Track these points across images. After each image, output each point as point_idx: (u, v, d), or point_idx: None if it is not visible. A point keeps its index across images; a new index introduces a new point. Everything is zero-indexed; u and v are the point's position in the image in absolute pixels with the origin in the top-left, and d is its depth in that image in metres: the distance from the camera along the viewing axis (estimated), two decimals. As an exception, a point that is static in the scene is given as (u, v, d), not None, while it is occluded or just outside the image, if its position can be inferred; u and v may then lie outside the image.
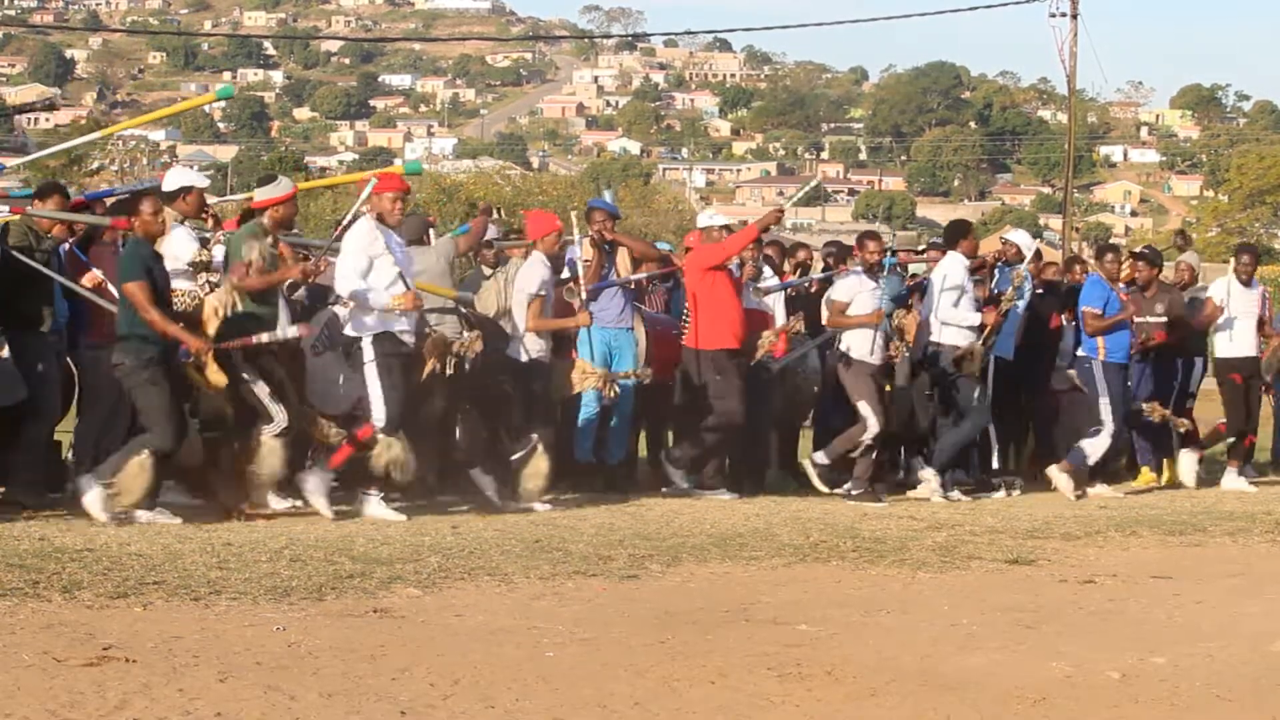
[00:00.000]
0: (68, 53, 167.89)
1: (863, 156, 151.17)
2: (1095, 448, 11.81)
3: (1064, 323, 12.63)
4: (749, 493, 11.25)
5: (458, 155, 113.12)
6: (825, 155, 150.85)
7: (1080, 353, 12.03)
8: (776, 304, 12.10)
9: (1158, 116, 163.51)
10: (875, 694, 5.50)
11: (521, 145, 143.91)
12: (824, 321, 11.46)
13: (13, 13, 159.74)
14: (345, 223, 9.94)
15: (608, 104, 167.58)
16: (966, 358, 11.37)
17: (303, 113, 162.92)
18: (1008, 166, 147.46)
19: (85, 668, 5.33)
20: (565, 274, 10.68)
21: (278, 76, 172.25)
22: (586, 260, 10.65)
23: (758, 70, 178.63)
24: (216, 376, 8.63)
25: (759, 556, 8.46)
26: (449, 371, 9.46)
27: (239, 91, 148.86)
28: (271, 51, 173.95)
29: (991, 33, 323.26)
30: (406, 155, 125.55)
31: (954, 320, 11.40)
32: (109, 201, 10.23)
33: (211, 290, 8.91)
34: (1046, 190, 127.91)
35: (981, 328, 11.49)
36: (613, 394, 10.61)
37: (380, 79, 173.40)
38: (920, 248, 14.33)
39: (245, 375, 8.81)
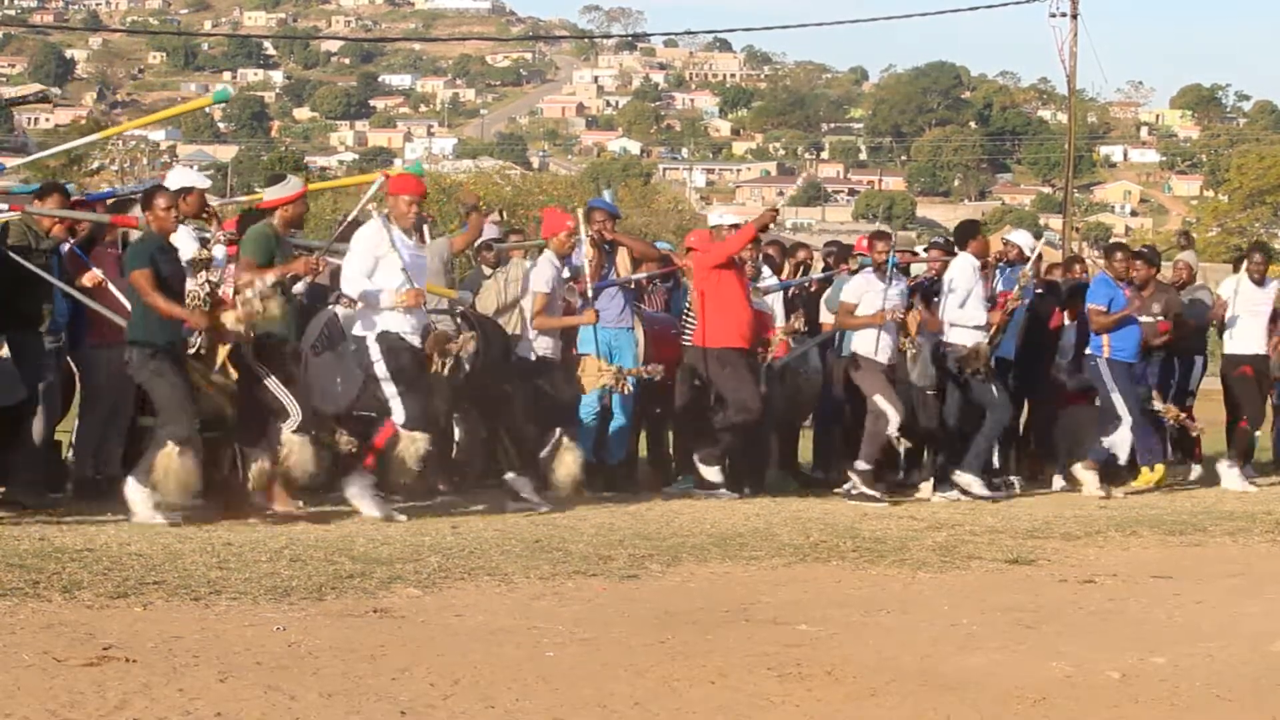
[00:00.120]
0: (68, 53, 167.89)
1: (863, 156, 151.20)
2: (1117, 443, 11.83)
3: (1065, 322, 12.63)
4: (749, 493, 11.25)
5: (458, 155, 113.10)
6: (825, 155, 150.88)
7: (1087, 350, 12.04)
8: (776, 304, 12.10)
9: (1158, 116, 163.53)
10: (875, 694, 5.50)
11: (521, 145, 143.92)
12: (835, 323, 11.41)
13: (13, 13, 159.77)
14: (345, 223, 9.94)
15: (608, 104, 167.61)
16: (971, 357, 11.37)
17: (303, 113, 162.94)
18: (1008, 166, 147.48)
19: (85, 668, 5.33)
20: (566, 273, 10.69)
21: (278, 76, 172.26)
22: (587, 260, 10.66)
23: (758, 70, 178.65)
24: (222, 377, 8.64)
25: (759, 556, 8.46)
26: (445, 372, 9.45)
27: (239, 91, 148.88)
28: (271, 51, 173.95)
29: (991, 33, 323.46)
30: (406, 155, 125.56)
31: (959, 321, 11.42)
32: (109, 202, 10.24)
33: (211, 290, 8.91)
34: (1046, 190, 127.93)
35: (987, 327, 11.50)
36: (627, 390, 10.60)
37: (380, 79, 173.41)
38: (921, 248, 14.31)
39: (258, 372, 8.79)
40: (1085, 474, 11.88)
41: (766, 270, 12.15)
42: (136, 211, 9.73)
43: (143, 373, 8.72)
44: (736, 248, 11.12)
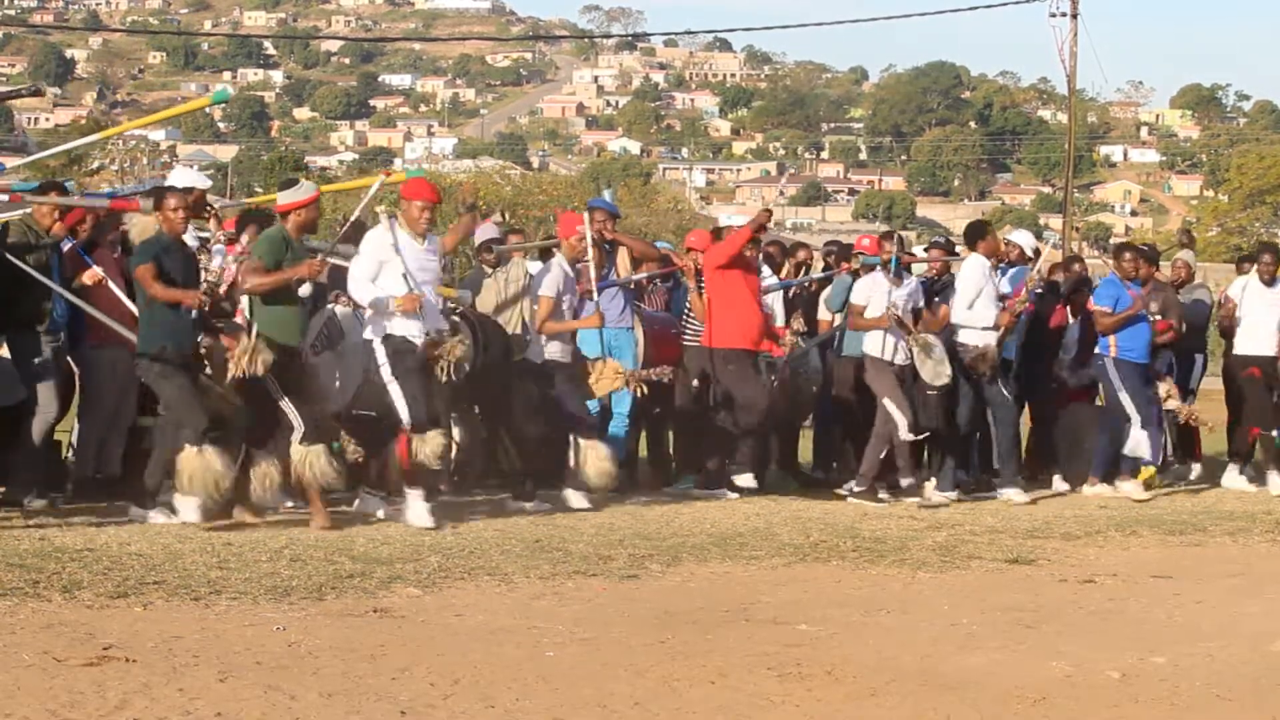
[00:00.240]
0: (68, 53, 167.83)
1: (863, 156, 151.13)
2: (1136, 443, 11.80)
3: (1068, 320, 12.63)
4: (749, 492, 11.25)
5: (458, 155, 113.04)
6: (825, 155, 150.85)
7: (1096, 350, 12.04)
8: (776, 304, 12.10)
9: (1158, 116, 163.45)
10: (875, 694, 5.50)
11: (521, 145, 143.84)
12: (849, 324, 11.39)
13: (13, 13, 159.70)
14: (348, 225, 9.93)
15: (608, 104, 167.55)
16: (979, 359, 11.35)
17: (303, 113, 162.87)
18: (1008, 166, 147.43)
19: (85, 668, 5.34)
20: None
21: (278, 76, 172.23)
22: (588, 260, 10.66)
23: (758, 70, 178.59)
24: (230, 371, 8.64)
25: (759, 556, 8.46)
26: (443, 377, 9.41)
27: (239, 91, 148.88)
28: (271, 51, 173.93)
29: (991, 33, 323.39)
30: (407, 155, 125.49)
31: (969, 322, 11.41)
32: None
33: (210, 290, 8.92)
34: (1046, 190, 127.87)
35: (995, 328, 11.48)
36: (642, 394, 10.58)
37: (380, 79, 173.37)
38: (921, 248, 14.31)
39: (265, 383, 8.77)
40: (1126, 486, 11.75)
41: (766, 270, 12.16)
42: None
43: (149, 374, 8.75)
44: (735, 248, 11.12)
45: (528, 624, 6.45)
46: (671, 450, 12.04)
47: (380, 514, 9.38)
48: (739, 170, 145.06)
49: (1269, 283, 12.63)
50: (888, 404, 11.01)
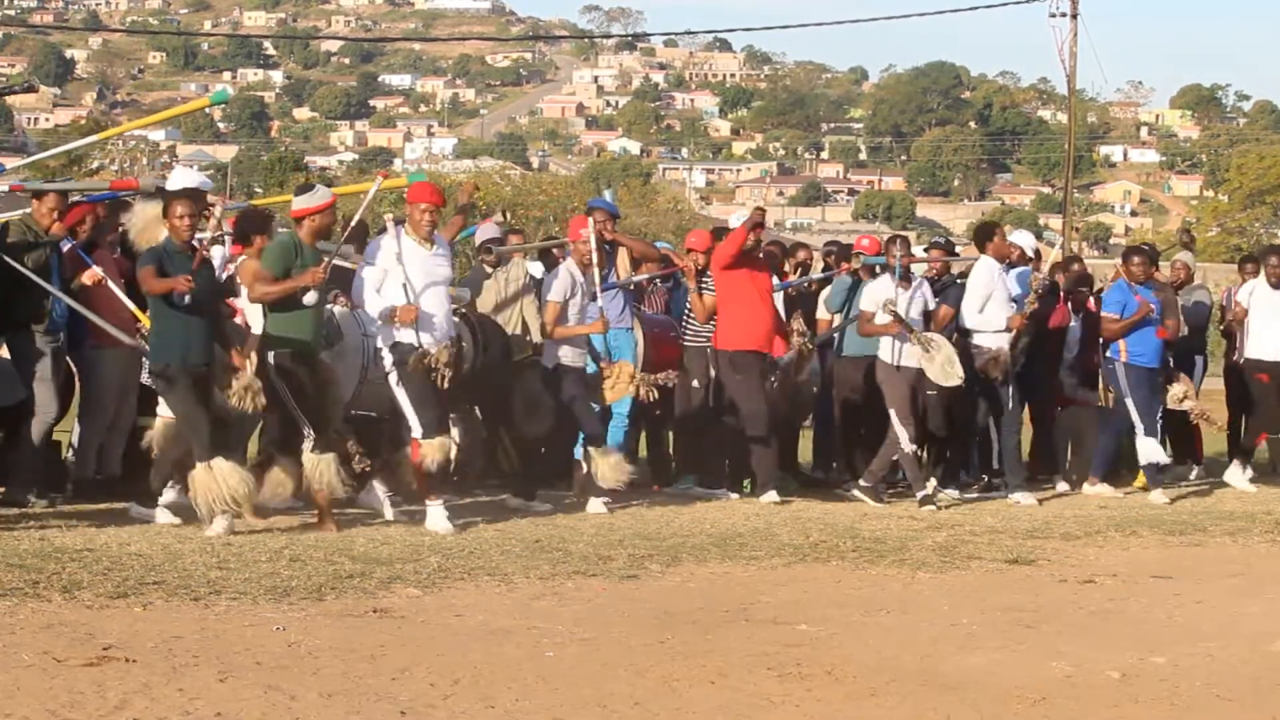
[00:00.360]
0: (68, 53, 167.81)
1: (863, 156, 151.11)
2: (1147, 450, 11.77)
3: (1072, 319, 12.64)
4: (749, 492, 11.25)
5: (458, 155, 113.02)
6: (825, 155, 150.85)
7: (1107, 354, 12.02)
8: (776, 304, 12.09)
9: (1158, 116, 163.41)
10: (875, 694, 5.50)
11: (521, 145, 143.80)
12: (859, 331, 11.36)
13: (13, 13, 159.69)
14: (350, 227, 9.93)
15: (608, 104, 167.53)
16: (991, 362, 11.32)
17: (303, 113, 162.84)
18: (1008, 166, 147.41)
19: (85, 668, 5.34)
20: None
21: (278, 76, 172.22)
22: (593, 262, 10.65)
23: (758, 70, 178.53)
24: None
25: (759, 556, 8.46)
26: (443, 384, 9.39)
27: (239, 91, 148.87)
28: (271, 51, 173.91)
29: (991, 33, 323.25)
30: (406, 155, 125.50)
31: (980, 325, 11.39)
32: (107, 203, 10.22)
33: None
34: (1046, 190, 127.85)
35: (1007, 330, 11.45)
36: (653, 398, 10.56)
37: (380, 79, 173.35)
38: (921, 248, 14.29)
39: (277, 389, 8.76)
40: (1154, 495, 11.72)
41: (766, 271, 12.14)
42: (133, 212, 9.73)
43: (159, 387, 8.73)
44: (735, 247, 11.11)
45: (528, 624, 6.45)
46: (671, 450, 12.04)
47: (388, 514, 9.37)
48: (739, 170, 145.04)
49: (1277, 285, 12.56)
50: (893, 416, 11.00)
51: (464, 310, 10.08)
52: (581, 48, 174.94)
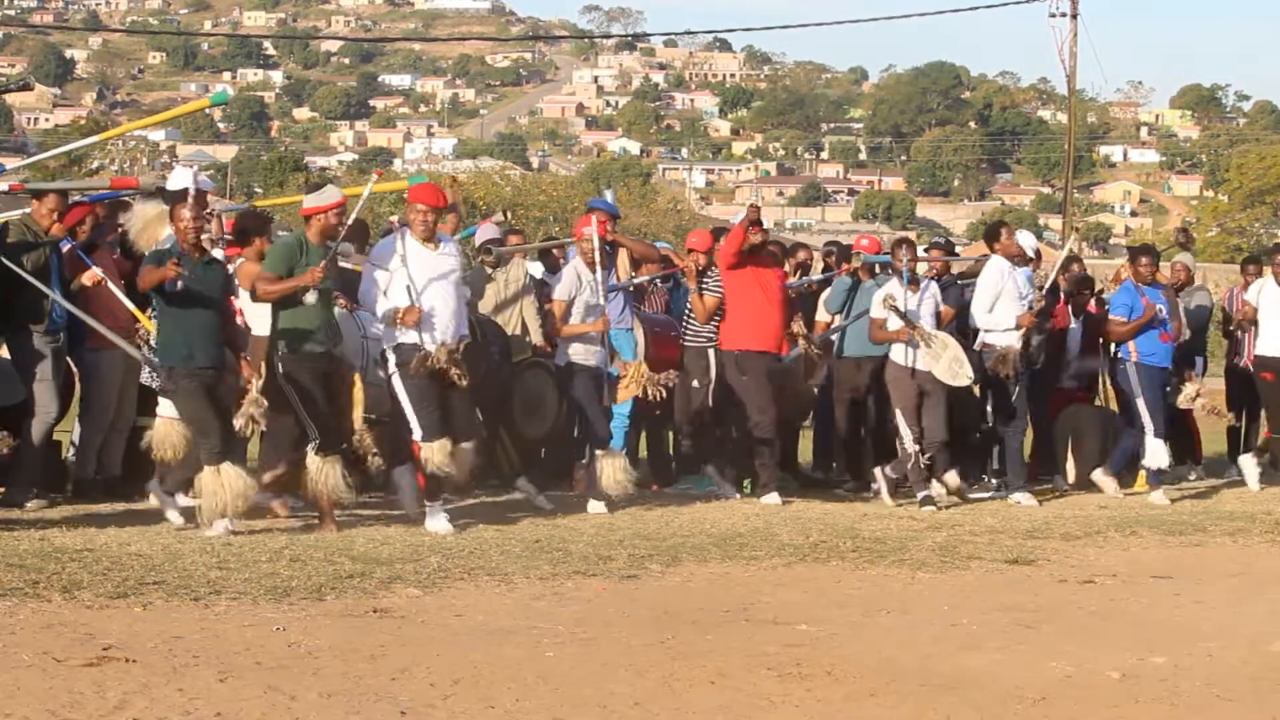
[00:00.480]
0: (68, 53, 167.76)
1: (862, 156, 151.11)
2: (1153, 454, 11.75)
3: (1072, 321, 12.62)
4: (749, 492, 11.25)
5: (457, 155, 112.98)
6: (825, 155, 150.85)
7: (1118, 355, 12.01)
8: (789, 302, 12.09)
9: (1158, 116, 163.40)
10: (875, 694, 5.50)
11: (521, 145, 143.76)
12: (871, 338, 11.34)
13: (13, 13, 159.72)
14: (349, 226, 9.93)
15: (607, 104, 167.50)
16: (999, 361, 11.30)
17: (302, 113, 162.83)
18: (1008, 166, 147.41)
19: (85, 668, 5.34)
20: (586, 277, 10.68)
21: (277, 76, 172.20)
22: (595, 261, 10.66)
23: (758, 70, 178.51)
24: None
25: (759, 556, 8.46)
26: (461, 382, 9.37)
27: (239, 92, 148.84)
28: (271, 51, 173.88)
29: (991, 33, 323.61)
30: (406, 155, 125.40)
31: (988, 325, 11.39)
32: (106, 203, 10.23)
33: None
34: (1046, 190, 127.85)
35: (1017, 328, 11.44)
36: (660, 398, 10.56)
37: (380, 79, 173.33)
38: (921, 249, 14.29)
39: (284, 391, 8.75)
40: (1157, 496, 11.68)
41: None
42: (133, 212, 9.74)
43: (168, 392, 8.72)
44: (734, 245, 11.11)
45: (528, 624, 6.45)
46: (671, 450, 12.04)
47: (408, 507, 9.38)
48: (739, 170, 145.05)
49: None
50: (898, 416, 11.01)
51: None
52: (581, 48, 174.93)
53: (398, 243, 9.20)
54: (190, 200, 8.62)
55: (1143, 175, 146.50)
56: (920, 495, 10.92)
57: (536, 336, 11.02)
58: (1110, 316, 12.02)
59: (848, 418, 12.00)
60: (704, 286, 11.31)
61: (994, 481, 12.20)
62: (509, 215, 19.09)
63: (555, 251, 12.57)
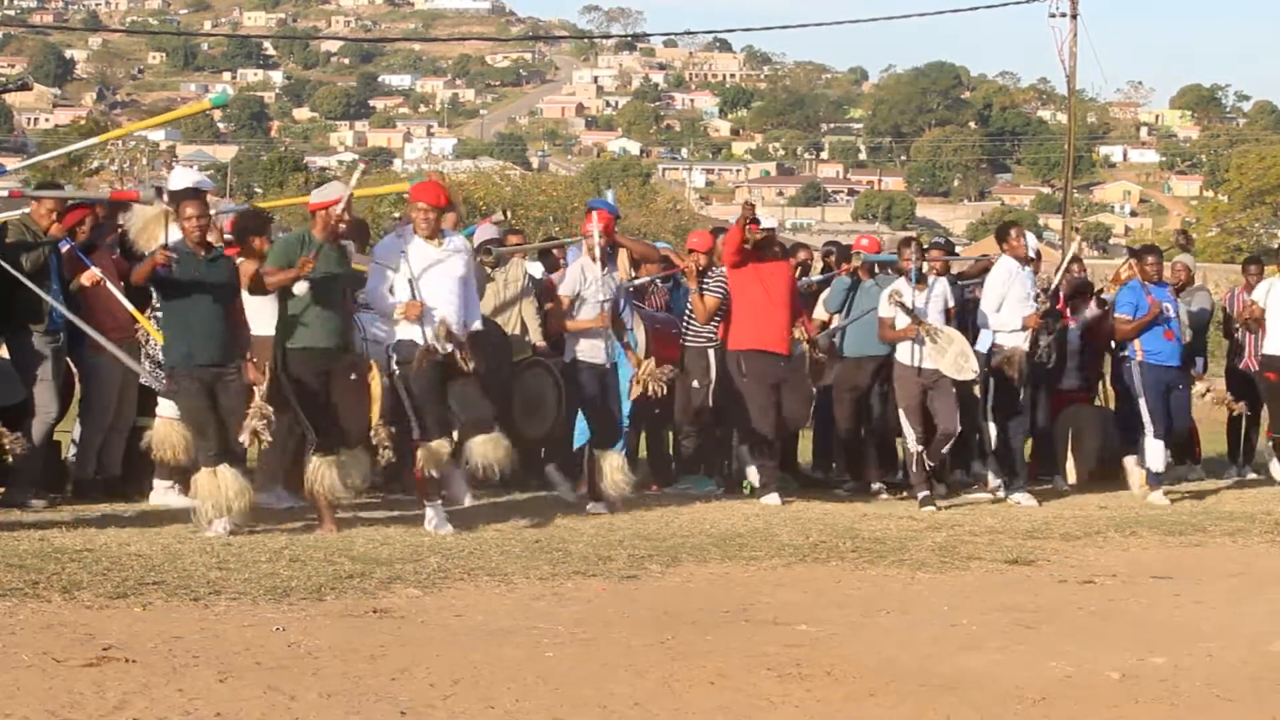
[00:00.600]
0: (68, 53, 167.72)
1: (862, 156, 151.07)
2: (1152, 455, 11.74)
3: (1072, 322, 12.60)
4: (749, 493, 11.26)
5: (457, 155, 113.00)
6: (825, 155, 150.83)
7: (1124, 353, 12.00)
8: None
9: (1157, 116, 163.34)
10: (875, 694, 5.50)
11: (521, 145, 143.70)
12: (879, 337, 11.33)
13: (13, 13, 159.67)
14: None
15: (607, 104, 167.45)
16: (1005, 361, 11.29)
17: (302, 113, 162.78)
18: (1007, 166, 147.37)
19: (85, 668, 5.34)
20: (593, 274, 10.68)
21: (277, 77, 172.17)
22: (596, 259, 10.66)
23: (757, 70, 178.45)
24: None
25: (759, 556, 8.46)
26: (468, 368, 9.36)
27: (239, 92, 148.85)
28: (271, 51, 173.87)
29: (991, 33, 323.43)
30: (406, 155, 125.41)
31: (995, 325, 11.38)
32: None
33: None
34: (1046, 190, 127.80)
35: (1023, 328, 11.43)
36: (661, 394, 10.55)
37: (380, 79, 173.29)
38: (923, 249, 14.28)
39: (284, 392, 8.75)
40: (1155, 497, 11.58)
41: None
42: (132, 212, 9.73)
43: (169, 392, 8.73)
44: (734, 244, 11.11)
45: (528, 624, 6.45)
46: (671, 450, 12.04)
47: (467, 501, 9.53)
48: (739, 171, 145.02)
49: None
50: (901, 415, 11.01)
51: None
52: (581, 48, 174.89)
53: (399, 240, 9.21)
54: (194, 197, 8.65)
55: (1143, 175, 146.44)
56: (920, 495, 10.92)
57: (536, 336, 11.02)
58: (1115, 315, 12.02)
59: (848, 418, 12.00)
60: (704, 287, 11.31)
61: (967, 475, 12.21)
62: (508, 215, 19.11)
63: (555, 252, 12.57)
